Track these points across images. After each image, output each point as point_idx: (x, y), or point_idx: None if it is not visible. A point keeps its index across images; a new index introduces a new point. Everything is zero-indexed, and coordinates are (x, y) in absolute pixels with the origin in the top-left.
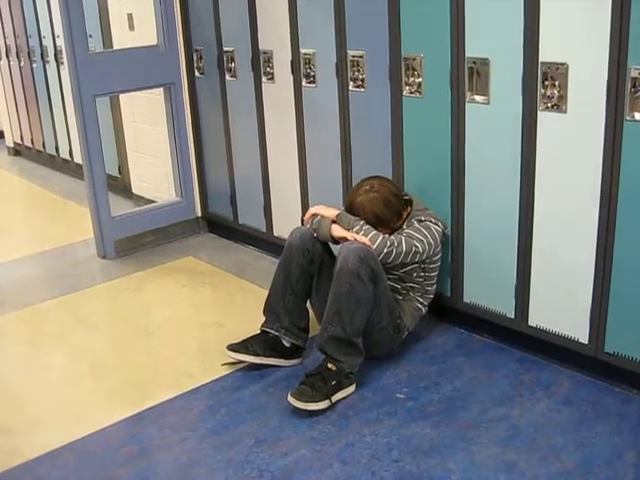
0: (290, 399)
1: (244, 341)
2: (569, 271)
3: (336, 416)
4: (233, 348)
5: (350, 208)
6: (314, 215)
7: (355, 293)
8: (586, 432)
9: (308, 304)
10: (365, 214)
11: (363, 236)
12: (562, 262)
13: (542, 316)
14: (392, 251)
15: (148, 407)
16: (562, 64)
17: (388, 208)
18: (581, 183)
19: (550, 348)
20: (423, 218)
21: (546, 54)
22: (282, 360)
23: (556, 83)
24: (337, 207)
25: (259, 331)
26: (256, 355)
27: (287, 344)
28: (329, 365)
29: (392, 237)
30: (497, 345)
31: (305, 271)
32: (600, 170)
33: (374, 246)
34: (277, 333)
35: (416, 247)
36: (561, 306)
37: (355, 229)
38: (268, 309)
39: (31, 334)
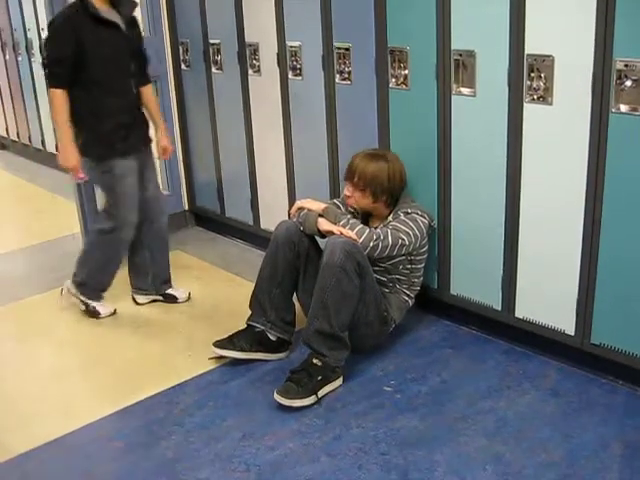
0: (276, 396)
1: (230, 336)
2: (555, 263)
3: (323, 409)
4: (219, 344)
5: (352, 161)
6: (301, 208)
7: (341, 287)
8: (572, 423)
9: (294, 298)
10: (365, 173)
11: (349, 230)
12: (548, 254)
13: (529, 308)
14: (378, 244)
15: (135, 402)
16: (548, 56)
17: (389, 182)
18: (567, 175)
19: (537, 340)
20: (410, 210)
21: (532, 46)
22: (268, 354)
23: (542, 75)
24: (324, 201)
25: (245, 325)
26: (242, 350)
27: (273, 338)
28: (314, 360)
29: (378, 230)
30: (484, 337)
31: (291, 265)
32: (586, 162)
33: (360, 240)
34: (263, 327)
35: (402, 240)
36: (547, 298)
37: (342, 223)
38: (254, 303)
39: (18, 329)
